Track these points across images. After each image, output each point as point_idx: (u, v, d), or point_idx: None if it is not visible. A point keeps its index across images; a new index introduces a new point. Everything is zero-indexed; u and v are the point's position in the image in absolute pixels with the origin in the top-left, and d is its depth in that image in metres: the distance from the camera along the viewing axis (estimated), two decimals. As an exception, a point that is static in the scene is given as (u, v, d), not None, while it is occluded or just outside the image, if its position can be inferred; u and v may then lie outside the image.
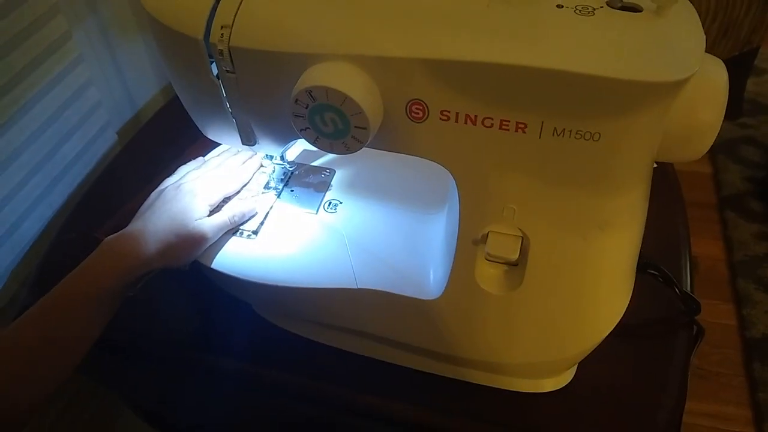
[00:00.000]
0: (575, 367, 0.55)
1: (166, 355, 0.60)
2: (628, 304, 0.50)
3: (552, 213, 0.44)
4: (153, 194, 0.56)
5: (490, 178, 0.43)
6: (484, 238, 0.45)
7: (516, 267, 0.47)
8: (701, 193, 1.61)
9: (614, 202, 0.44)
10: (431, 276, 0.52)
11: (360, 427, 0.59)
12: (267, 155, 0.59)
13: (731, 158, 1.69)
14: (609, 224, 0.44)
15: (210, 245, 0.55)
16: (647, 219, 0.50)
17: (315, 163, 0.64)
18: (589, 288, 0.47)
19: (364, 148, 0.43)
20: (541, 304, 0.47)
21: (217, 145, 0.62)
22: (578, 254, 0.45)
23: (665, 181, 0.75)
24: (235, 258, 0.55)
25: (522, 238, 0.45)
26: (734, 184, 1.62)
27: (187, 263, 0.54)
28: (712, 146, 0.41)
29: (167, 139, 0.76)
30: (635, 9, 0.39)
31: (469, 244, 0.46)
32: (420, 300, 0.50)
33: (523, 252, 0.45)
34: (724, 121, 0.40)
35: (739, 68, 1.68)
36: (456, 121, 0.41)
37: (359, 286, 0.52)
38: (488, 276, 0.47)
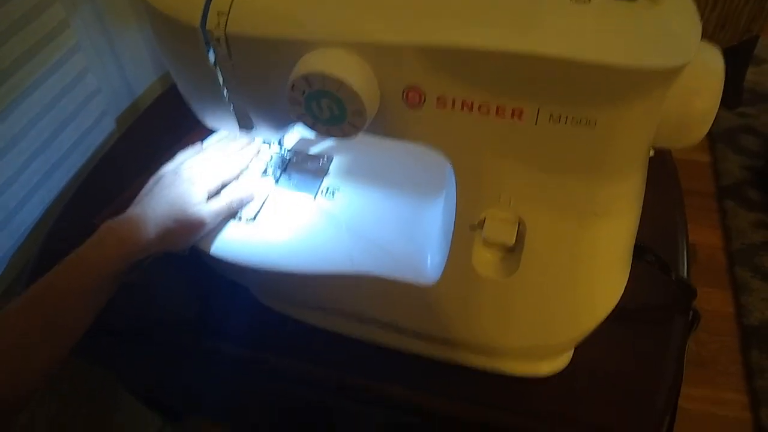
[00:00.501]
0: (572, 351, 0.55)
1: (164, 339, 0.60)
2: (625, 290, 0.51)
3: (548, 199, 0.44)
4: (151, 180, 0.56)
5: (487, 164, 0.44)
6: (481, 223, 0.46)
7: (512, 252, 0.47)
8: (700, 182, 1.61)
9: (611, 188, 0.44)
10: (428, 261, 0.52)
11: (357, 411, 0.59)
12: (265, 140, 0.59)
13: (731, 147, 1.69)
14: (605, 209, 0.45)
15: (208, 231, 0.55)
16: (645, 207, 0.50)
17: (313, 150, 0.64)
18: (585, 272, 0.47)
19: (361, 135, 0.43)
20: (538, 289, 0.47)
21: (215, 132, 0.62)
22: (574, 239, 0.45)
23: (663, 170, 0.75)
24: (233, 243, 0.55)
25: (519, 222, 0.45)
26: (733, 173, 1.62)
27: (186, 248, 0.55)
28: (711, 135, 0.42)
29: (165, 127, 0.76)
30: (631, -5, 0.39)
31: (466, 229, 0.46)
32: (417, 285, 0.50)
33: (520, 237, 0.46)
34: (723, 110, 0.41)
35: (738, 57, 1.68)
36: (453, 108, 0.41)
37: (357, 272, 0.52)
38: (485, 261, 0.48)
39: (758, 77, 1.91)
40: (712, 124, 0.41)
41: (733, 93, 1.77)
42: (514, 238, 0.45)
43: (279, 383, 0.60)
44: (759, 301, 1.33)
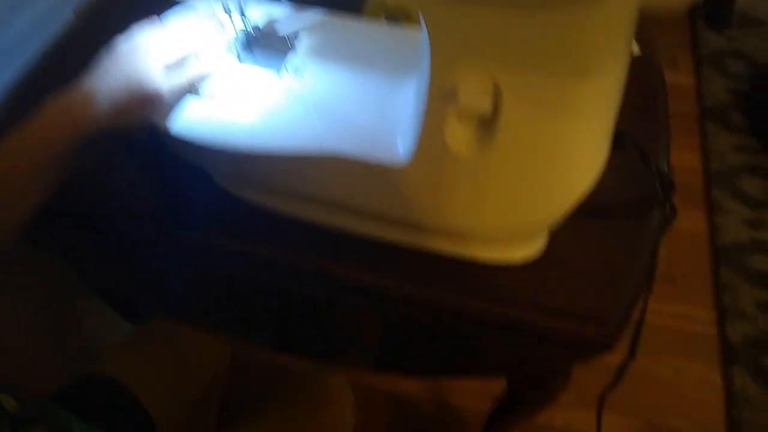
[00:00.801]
0: (545, 238, 0.54)
1: (124, 227, 0.58)
2: (603, 183, 0.49)
3: (527, 65, 0.41)
4: (103, 52, 0.52)
5: (464, 24, 0.40)
6: (455, 94, 0.43)
7: (487, 128, 0.45)
8: (683, 105, 1.59)
9: (591, 69, 0.41)
10: (400, 142, 0.50)
11: (322, 297, 0.58)
12: (226, 10, 0.55)
13: (716, 70, 1.66)
14: (585, 82, 0.42)
15: (166, 106, 0.52)
16: (626, 106, 0.48)
17: (279, 27, 0.60)
18: (562, 147, 0.45)
19: (331, 16, 0.39)
20: (513, 165, 0.45)
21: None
22: (552, 111, 0.43)
23: (648, 74, 0.72)
24: (193, 121, 0.52)
25: (494, 90, 0.42)
26: (717, 96, 1.60)
27: (142, 125, 0.51)
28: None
29: (125, 20, 0.71)
30: None
31: (439, 98, 0.44)
32: (388, 165, 0.48)
33: (495, 110, 0.43)
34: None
35: (731, -22, 1.63)
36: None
37: (325, 152, 0.49)
38: (459, 137, 0.45)
39: (750, 0, 1.86)
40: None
41: (722, 15, 1.73)
42: (491, 102, 0.42)
43: (241, 271, 0.58)
44: (734, 222, 1.34)
